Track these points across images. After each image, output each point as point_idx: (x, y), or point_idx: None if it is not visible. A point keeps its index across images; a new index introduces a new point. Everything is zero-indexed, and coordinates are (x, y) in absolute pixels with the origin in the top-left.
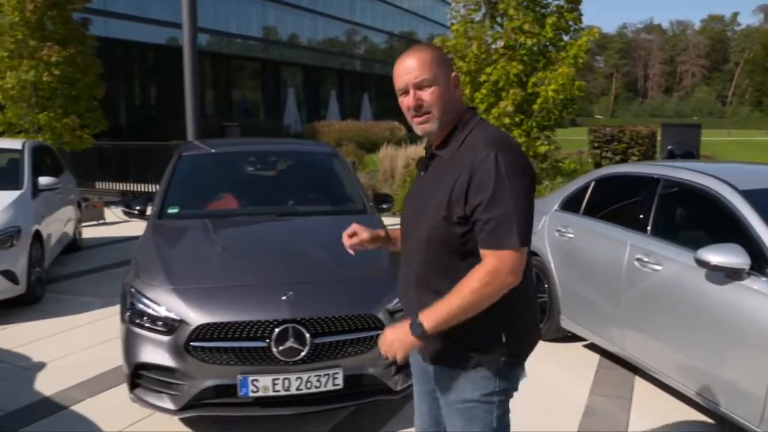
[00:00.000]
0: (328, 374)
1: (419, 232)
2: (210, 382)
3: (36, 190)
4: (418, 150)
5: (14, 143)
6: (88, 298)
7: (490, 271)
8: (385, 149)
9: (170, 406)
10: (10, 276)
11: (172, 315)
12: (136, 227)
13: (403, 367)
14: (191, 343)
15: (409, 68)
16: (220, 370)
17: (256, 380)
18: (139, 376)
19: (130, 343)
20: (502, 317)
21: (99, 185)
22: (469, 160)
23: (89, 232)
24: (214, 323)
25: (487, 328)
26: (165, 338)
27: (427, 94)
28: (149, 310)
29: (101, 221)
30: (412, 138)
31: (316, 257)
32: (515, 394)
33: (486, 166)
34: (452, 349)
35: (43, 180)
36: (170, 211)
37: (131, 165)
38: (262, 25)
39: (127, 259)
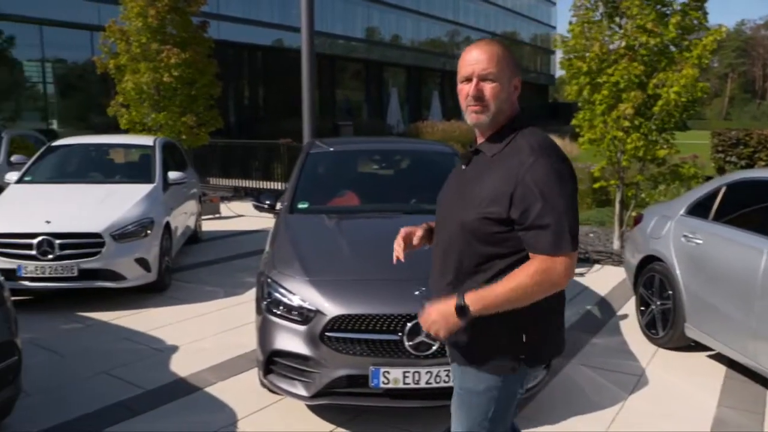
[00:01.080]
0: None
1: (453, 224)
2: (342, 372)
3: (166, 184)
4: None
5: (146, 140)
6: (212, 288)
7: (543, 271)
8: None
9: (303, 392)
10: (143, 264)
11: (307, 305)
12: (249, 222)
13: None
14: (326, 333)
15: (478, 59)
16: (353, 361)
17: (388, 372)
18: (274, 363)
19: (266, 331)
20: (527, 318)
21: (212, 181)
22: (516, 163)
23: (206, 225)
24: (349, 315)
25: (511, 326)
26: (301, 327)
27: (488, 87)
28: (285, 300)
29: (217, 215)
30: None
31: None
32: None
33: (536, 171)
34: (470, 347)
35: (172, 174)
36: (300, 206)
37: (243, 162)
38: (366, 26)
39: (243, 252)
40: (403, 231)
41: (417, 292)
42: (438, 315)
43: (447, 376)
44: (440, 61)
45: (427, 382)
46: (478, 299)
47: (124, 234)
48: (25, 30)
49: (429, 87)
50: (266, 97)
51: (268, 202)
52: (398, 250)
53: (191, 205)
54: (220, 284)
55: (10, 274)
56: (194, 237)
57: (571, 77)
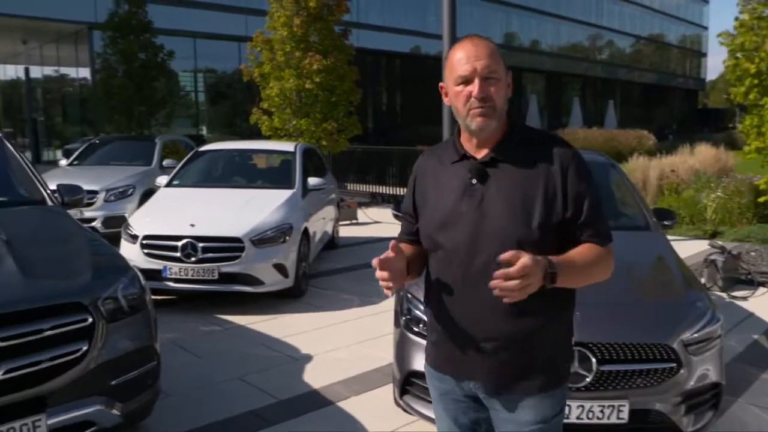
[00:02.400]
0: (612, 405)
1: (495, 247)
2: None
3: (305, 189)
4: (674, 161)
5: (287, 146)
6: (348, 296)
7: (605, 258)
8: (636, 160)
9: None
10: (281, 269)
11: None
12: (386, 229)
13: (694, 407)
14: None
15: (477, 55)
16: None
17: None
18: (411, 384)
19: (404, 349)
20: (569, 329)
21: (350, 186)
22: (554, 169)
23: (343, 231)
24: None
25: (559, 338)
26: None
27: (493, 88)
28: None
29: (354, 221)
30: (665, 147)
31: None
32: None
33: (578, 165)
34: (553, 364)
35: (312, 180)
36: None
37: (380, 168)
38: (504, 32)
39: None
40: (376, 261)
41: None
42: (535, 269)
43: (601, 412)
44: (581, 66)
45: (577, 417)
46: (566, 263)
47: (263, 239)
48: (181, 43)
49: (569, 93)
50: (403, 104)
51: None
52: (386, 283)
53: (329, 211)
54: (357, 292)
55: (156, 275)
56: (332, 243)
57: (737, 79)
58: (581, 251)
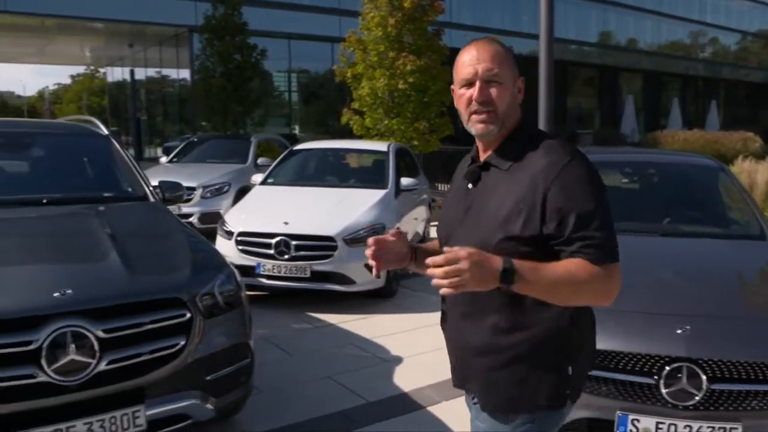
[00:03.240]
0: (723, 428)
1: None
2: (583, 413)
3: (398, 189)
4: None
5: (381, 145)
6: (438, 298)
7: (600, 278)
8: (741, 163)
9: None
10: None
11: None
12: None
13: None
14: None
15: (480, 58)
16: (596, 402)
17: (637, 420)
18: None
19: None
20: (574, 346)
21: (440, 187)
22: (541, 170)
23: (434, 232)
24: (600, 351)
25: (558, 356)
26: None
27: (495, 91)
28: None
29: None
30: None
31: (716, 286)
32: None
33: (570, 176)
34: (520, 389)
35: (405, 181)
36: None
37: None
38: (600, 30)
39: None
40: (371, 240)
41: (680, 331)
42: (479, 259)
43: None
44: (681, 65)
45: None
46: (529, 271)
47: (355, 238)
48: (276, 44)
49: (668, 93)
50: None
51: None
52: (372, 261)
53: (421, 211)
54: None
55: (250, 271)
56: (422, 243)
57: None
58: (566, 263)
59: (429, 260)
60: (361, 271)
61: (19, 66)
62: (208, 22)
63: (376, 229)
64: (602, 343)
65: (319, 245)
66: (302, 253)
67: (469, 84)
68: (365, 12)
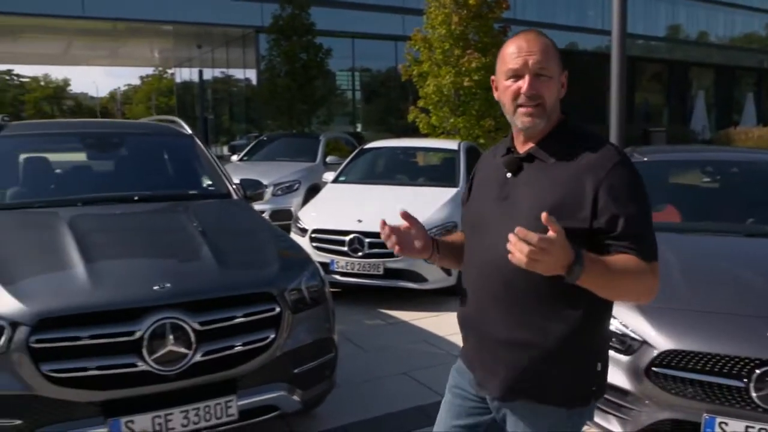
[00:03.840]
0: None
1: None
2: (667, 414)
3: None
4: None
5: (451, 144)
6: None
7: (648, 275)
8: None
9: (617, 429)
10: (445, 267)
11: (632, 334)
12: None
13: None
14: (653, 368)
15: (530, 50)
16: (682, 404)
17: (725, 423)
18: None
19: None
20: (603, 342)
21: None
22: (592, 166)
23: None
24: (684, 351)
25: (589, 351)
26: (622, 357)
27: (544, 86)
28: None
29: None
30: None
31: None
32: None
33: (623, 174)
34: (555, 378)
35: None
36: None
37: None
38: (669, 24)
39: None
40: (386, 227)
41: None
42: (560, 246)
43: None
44: (756, 58)
45: None
46: (595, 261)
47: None
48: (340, 43)
49: (741, 88)
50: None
51: None
52: (392, 243)
53: None
54: None
55: (324, 268)
56: None
57: None
58: (621, 258)
59: (520, 230)
60: (434, 269)
61: (93, 68)
62: (275, 23)
63: (447, 227)
64: (688, 344)
65: None
66: (375, 250)
67: (517, 76)
68: (430, 10)
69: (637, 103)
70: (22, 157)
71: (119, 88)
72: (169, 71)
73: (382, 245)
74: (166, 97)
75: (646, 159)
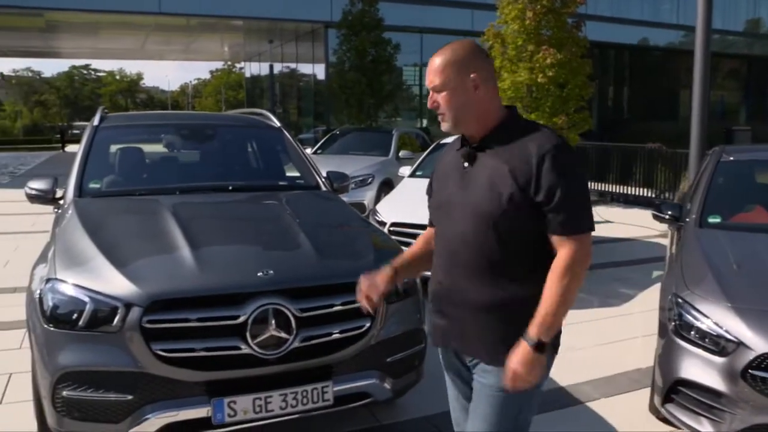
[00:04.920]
0: None
1: (480, 224)
2: (763, 419)
3: None
4: None
5: None
6: (584, 295)
7: (574, 259)
8: None
9: (709, 430)
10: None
11: (728, 335)
12: (618, 229)
13: None
14: (750, 371)
15: (428, 71)
16: None
17: None
18: (676, 392)
19: (671, 356)
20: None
21: None
22: (531, 145)
23: None
24: None
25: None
26: (716, 359)
27: (440, 98)
28: (699, 325)
29: None
30: None
31: None
32: None
33: (557, 153)
34: (496, 340)
35: None
36: (711, 219)
37: (609, 165)
38: (747, 18)
39: (615, 261)
40: (364, 284)
41: None
42: (523, 367)
43: None
44: None
45: None
46: (543, 328)
47: None
48: (408, 38)
49: None
50: (630, 99)
51: (670, 212)
52: (366, 304)
53: None
54: (594, 292)
55: None
56: None
57: None
58: (547, 284)
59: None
60: None
61: (166, 63)
62: (345, 18)
63: None
64: None
65: None
66: None
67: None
68: (502, 5)
69: (713, 101)
70: (122, 147)
71: (190, 81)
72: (238, 65)
73: None
74: (234, 90)
75: (732, 158)
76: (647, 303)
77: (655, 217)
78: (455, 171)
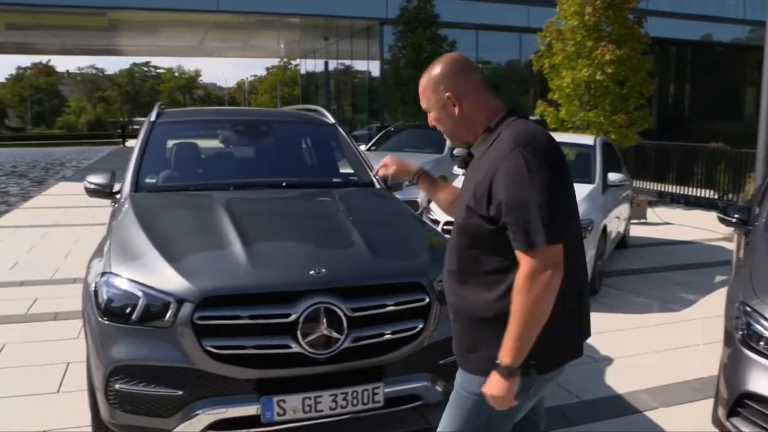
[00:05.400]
0: None
1: (456, 229)
2: None
3: (605, 185)
4: None
5: (586, 138)
6: (643, 299)
7: (527, 275)
8: None
9: None
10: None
11: None
12: (678, 231)
13: None
14: None
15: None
16: None
17: None
18: (742, 405)
19: (738, 367)
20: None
21: (635, 183)
22: (493, 159)
23: (633, 230)
24: None
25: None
26: None
27: (431, 116)
28: None
29: (642, 220)
30: None
31: None
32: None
33: (507, 164)
34: (477, 354)
35: (613, 176)
36: None
37: (670, 165)
38: None
39: (675, 264)
40: (390, 158)
41: None
42: (496, 391)
43: None
44: None
45: None
46: (507, 353)
47: None
48: (464, 35)
49: None
50: (692, 97)
51: (738, 215)
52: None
53: (624, 209)
54: (653, 296)
55: None
56: (622, 242)
57: None
58: (511, 312)
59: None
60: None
61: (223, 60)
62: (401, 15)
63: (583, 225)
64: None
65: None
66: None
67: None
68: (562, 0)
69: None
70: (178, 142)
71: (246, 78)
72: (294, 62)
73: None
74: (290, 87)
75: None
76: (709, 309)
77: (721, 220)
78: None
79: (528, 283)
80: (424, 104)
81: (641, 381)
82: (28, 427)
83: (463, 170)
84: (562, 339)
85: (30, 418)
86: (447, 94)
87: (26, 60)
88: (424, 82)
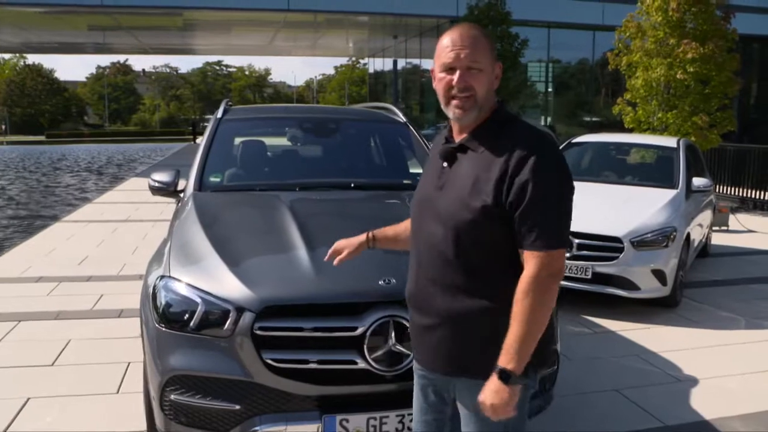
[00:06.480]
0: None
1: (446, 229)
2: None
3: (689, 190)
4: None
5: (668, 141)
6: (728, 314)
7: (539, 278)
8: None
9: None
10: (660, 276)
11: None
12: (763, 240)
13: None
14: None
15: (462, 44)
16: None
17: None
18: None
19: None
20: None
21: (718, 189)
22: (509, 156)
23: (714, 238)
24: None
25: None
26: None
27: (475, 79)
28: None
29: (724, 228)
30: None
31: None
32: None
33: (529, 165)
34: (487, 355)
35: (697, 181)
36: None
37: (753, 169)
38: None
39: (762, 276)
40: (339, 243)
41: None
42: (492, 400)
43: None
44: None
45: None
46: (511, 357)
47: (643, 241)
48: (536, 33)
49: None
50: None
51: None
52: (330, 255)
53: (707, 216)
54: (739, 311)
55: None
56: (704, 250)
57: None
58: (514, 308)
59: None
60: (647, 277)
61: (292, 59)
62: (470, 12)
63: (666, 232)
64: None
65: (603, 245)
66: (584, 252)
67: (450, 69)
68: None
69: None
70: (244, 140)
71: (315, 77)
72: (362, 61)
73: (592, 248)
74: (357, 86)
75: None
76: None
77: None
78: (435, 169)
79: (538, 286)
80: (477, 58)
81: (732, 406)
82: (85, 428)
83: (447, 164)
84: (550, 339)
85: (87, 419)
86: (498, 64)
87: (105, 60)
88: (486, 41)
